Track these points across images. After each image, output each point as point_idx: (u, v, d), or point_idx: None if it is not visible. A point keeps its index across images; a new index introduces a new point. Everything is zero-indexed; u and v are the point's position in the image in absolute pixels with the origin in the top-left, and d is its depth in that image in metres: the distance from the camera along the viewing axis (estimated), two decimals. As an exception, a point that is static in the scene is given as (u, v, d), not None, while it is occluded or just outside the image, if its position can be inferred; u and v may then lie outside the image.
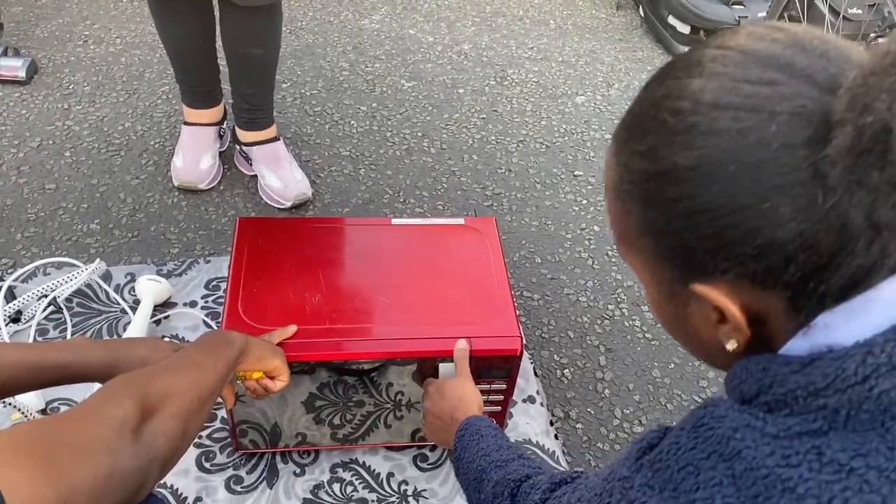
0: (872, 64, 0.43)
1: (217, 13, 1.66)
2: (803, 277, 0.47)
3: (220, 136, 1.89)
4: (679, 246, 0.51)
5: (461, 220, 1.33)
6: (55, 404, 1.28)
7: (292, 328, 1.09)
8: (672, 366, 1.57)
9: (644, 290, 0.60)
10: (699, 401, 1.51)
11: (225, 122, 1.91)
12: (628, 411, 1.48)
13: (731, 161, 0.47)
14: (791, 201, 0.45)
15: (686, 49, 2.51)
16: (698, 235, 0.50)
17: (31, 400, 1.26)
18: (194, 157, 1.80)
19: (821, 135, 0.45)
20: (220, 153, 1.89)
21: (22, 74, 2.10)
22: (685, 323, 0.57)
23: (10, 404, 1.10)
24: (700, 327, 0.55)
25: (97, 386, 1.22)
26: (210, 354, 0.84)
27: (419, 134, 2.11)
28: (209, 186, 1.83)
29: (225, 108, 1.89)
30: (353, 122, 2.12)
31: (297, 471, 1.24)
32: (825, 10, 2.42)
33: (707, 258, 0.50)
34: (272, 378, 1.02)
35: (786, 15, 1.91)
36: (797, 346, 0.50)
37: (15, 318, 1.42)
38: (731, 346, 0.53)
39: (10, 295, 1.44)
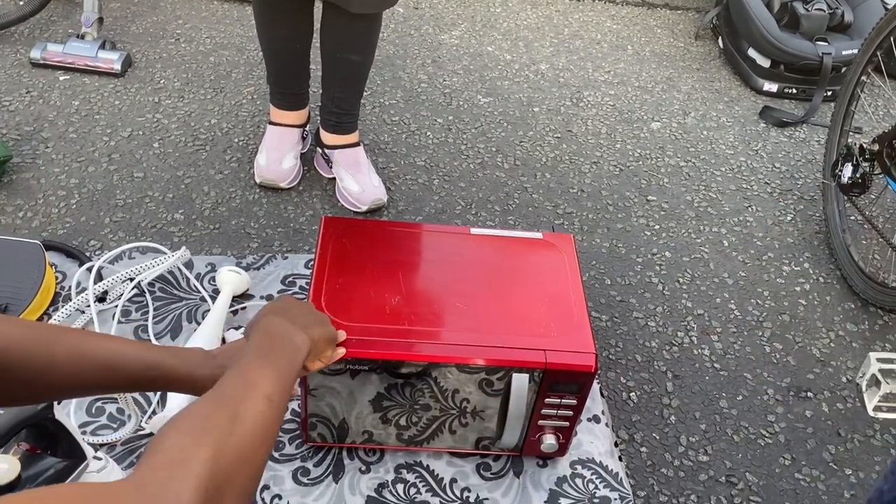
0: None
1: (319, 17, 1.71)
2: None
3: (303, 139, 1.94)
4: None
5: (539, 235, 1.34)
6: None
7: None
8: (740, 397, 1.55)
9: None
10: (766, 434, 1.49)
11: (308, 125, 1.96)
12: (694, 439, 1.47)
13: None
14: None
15: (765, 82, 2.50)
16: None
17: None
18: (278, 156, 1.85)
19: None
20: (302, 155, 1.94)
21: (117, 67, 2.20)
22: None
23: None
24: None
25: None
26: (281, 378, 0.74)
27: (493, 149, 2.13)
28: (289, 186, 1.88)
29: (309, 111, 1.94)
30: (429, 133, 2.16)
31: (363, 468, 1.26)
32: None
33: None
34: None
35: (878, 54, 1.88)
36: None
37: (101, 298, 1.48)
38: None
39: (98, 276, 1.49)
